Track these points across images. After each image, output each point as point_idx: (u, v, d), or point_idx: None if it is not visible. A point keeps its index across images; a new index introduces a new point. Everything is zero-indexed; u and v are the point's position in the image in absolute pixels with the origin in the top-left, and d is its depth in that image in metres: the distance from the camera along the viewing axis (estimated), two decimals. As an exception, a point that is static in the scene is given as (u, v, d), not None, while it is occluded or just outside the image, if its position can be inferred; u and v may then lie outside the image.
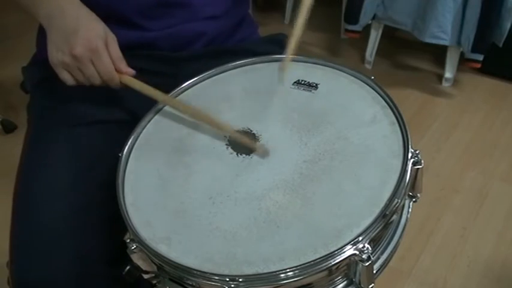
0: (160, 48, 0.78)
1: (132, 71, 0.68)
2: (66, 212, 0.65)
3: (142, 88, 0.68)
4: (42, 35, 0.69)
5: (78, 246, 0.63)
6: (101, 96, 0.71)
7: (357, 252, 0.49)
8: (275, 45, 0.83)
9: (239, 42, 0.86)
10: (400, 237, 0.60)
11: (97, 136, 0.72)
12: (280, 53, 0.73)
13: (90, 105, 0.74)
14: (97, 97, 0.72)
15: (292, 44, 0.68)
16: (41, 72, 0.76)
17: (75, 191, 0.66)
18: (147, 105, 0.70)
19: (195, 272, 0.50)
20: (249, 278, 0.48)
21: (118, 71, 0.67)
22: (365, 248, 0.49)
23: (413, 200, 0.64)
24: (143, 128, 0.69)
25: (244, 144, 0.63)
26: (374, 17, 2.00)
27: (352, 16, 1.97)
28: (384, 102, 0.67)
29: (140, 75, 0.69)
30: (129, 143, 0.65)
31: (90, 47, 0.63)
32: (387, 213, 0.53)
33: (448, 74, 2.02)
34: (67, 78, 0.66)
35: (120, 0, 0.73)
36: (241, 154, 0.63)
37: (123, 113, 0.76)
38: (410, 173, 0.58)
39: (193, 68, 0.76)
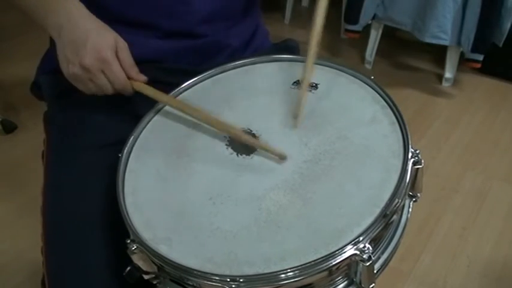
0: (185, 61, 0.79)
1: (144, 78, 0.68)
2: (96, 237, 0.66)
3: (155, 94, 0.68)
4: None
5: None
6: (124, 113, 0.72)
7: (358, 252, 0.49)
8: (288, 53, 0.84)
9: (254, 52, 0.87)
10: (401, 236, 0.60)
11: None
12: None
13: (113, 124, 0.73)
14: (120, 114, 0.73)
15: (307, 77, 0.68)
16: (63, 84, 0.73)
17: (103, 213, 0.67)
18: None
19: (196, 272, 0.50)
20: (250, 278, 0.48)
21: (130, 77, 0.67)
22: (366, 248, 0.49)
23: (414, 199, 0.64)
24: (143, 129, 0.69)
25: (270, 153, 0.62)
26: (374, 17, 2.00)
27: (352, 16, 1.97)
28: (383, 102, 0.67)
29: (163, 86, 0.70)
30: (129, 143, 0.65)
31: (99, 57, 0.63)
32: (388, 213, 0.53)
33: (448, 74, 2.02)
34: (83, 89, 0.67)
35: (137, 7, 0.74)
36: (241, 154, 0.63)
37: None
38: (411, 173, 0.58)
39: None
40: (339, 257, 0.49)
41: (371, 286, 0.53)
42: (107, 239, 0.66)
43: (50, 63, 0.80)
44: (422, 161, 0.59)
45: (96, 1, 0.69)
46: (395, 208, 0.54)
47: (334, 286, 0.53)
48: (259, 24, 0.91)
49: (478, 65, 1.82)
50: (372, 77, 0.70)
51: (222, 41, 0.81)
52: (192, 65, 0.79)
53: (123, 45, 0.66)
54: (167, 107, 0.71)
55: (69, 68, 0.64)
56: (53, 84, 0.79)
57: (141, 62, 0.69)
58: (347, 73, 0.73)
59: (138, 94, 0.68)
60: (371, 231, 0.51)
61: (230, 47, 0.82)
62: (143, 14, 0.74)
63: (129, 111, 0.73)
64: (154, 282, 0.56)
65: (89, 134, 0.74)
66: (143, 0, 0.73)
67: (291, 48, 0.89)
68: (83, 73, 0.64)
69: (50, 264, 0.68)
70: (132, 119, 0.70)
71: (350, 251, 0.49)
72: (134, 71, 0.67)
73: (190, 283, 0.52)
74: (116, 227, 0.58)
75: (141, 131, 0.68)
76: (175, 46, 0.77)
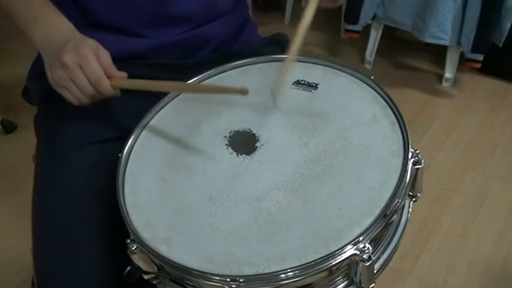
0: (170, 56, 0.78)
1: (123, 74, 0.66)
2: (88, 237, 0.66)
3: (131, 83, 0.66)
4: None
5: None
6: (110, 112, 0.72)
7: (358, 252, 0.49)
8: (277, 46, 0.85)
9: (243, 45, 0.87)
10: (401, 237, 0.60)
11: (108, 154, 0.70)
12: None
13: (100, 124, 0.73)
14: (105, 114, 0.73)
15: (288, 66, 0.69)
16: (48, 87, 0.73)
17: (92, 212, 0.67)
18: None
19: (196, 272, 0.50)
20: (250, 278, 0.48)
21: (109, 76, 0.65)
22: (366, 248, 0.49)
23: (414, 199, 0.64)
24: (143, 129, 0.69)
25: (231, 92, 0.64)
26: (374, 17, 2.00)
27: (352, 16, 1.97)
28: (383, 102, 0.67)
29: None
30: (129, 143, 0.65)
31: (78, 53, 0.62)
32: (388, 213, 0.53)
33: (448, 74, 2.02)
34: (69, 97, 0.65)
35: (121, 13, 0.73)
36: (241, 154, 0.63)
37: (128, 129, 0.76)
38: (411, 173, 0.58)
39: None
40: (339, 257, 0.49)
41: (371, 286, 0.53)
42: (100, 238, 0.66)
43: (36, 68, 0.81)
44: (422, 161, 0.59)
45: (79, 5, 0.69)
46: (395, 208, 0.54)
47: (334, 286, 0.53)
48: (247, 17, 0.90)
49: (478, 65, 1.82)
50: (372, 77, 0.70)
51: (205, 34, 0.80)
52: (178, 59, 0.79)
53: (104, 50, 0.65)
54: (167, 107, 0.71)
55: (53, 74, 0.64)
56: (40, 88, 0.79)
57: (126, 59, 0.69)
58: (347, 73, 0.73)
59: (122, 93, 0.68)
60: (371, 231, 0.51)
61: (215, 40, 0.82)
62: (126, 20, 0.74)
63: (114, 111, 0.73)
64: (154, 282, 0.56)
65: (76, 133, 0.73)
66: (127, 7, 0.73)
67: (280, 41, 0.89)
68: (64, 72, 0.63)
69: (41, 266, 0.67)
70: (118, 118, 0.70)
71: (350, 251, 0.49)
72: (112, 69, 0.65)
73: (190, 283, 0.52)
74: (116, 227, 0.58)
75: (141, 131, 0.68)
76: (159, 42, 0.77)
